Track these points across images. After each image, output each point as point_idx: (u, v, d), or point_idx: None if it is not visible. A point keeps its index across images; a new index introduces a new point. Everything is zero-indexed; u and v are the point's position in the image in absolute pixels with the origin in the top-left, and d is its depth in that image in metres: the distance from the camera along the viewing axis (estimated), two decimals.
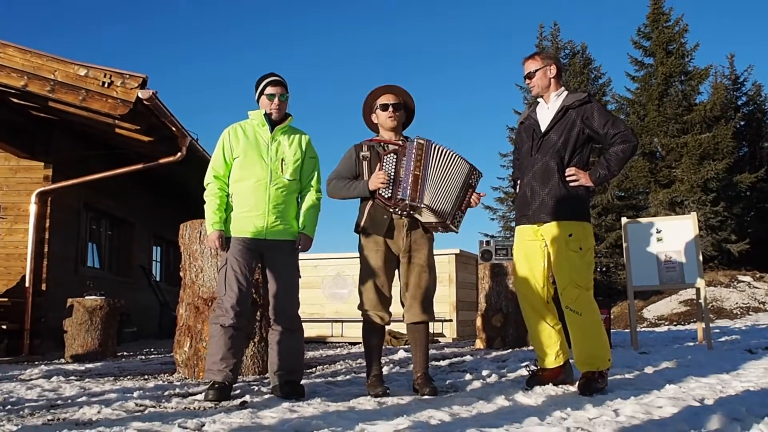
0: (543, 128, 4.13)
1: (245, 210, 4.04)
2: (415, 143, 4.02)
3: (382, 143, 4.26)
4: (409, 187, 3.95)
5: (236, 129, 4.17)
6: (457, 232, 4.16)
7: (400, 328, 7.81)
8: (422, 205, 3.98)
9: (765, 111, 31.98)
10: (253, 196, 4.03)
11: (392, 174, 4.04)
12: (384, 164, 4.07)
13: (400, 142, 4.21)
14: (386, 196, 4.04)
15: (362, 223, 4.15)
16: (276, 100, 4.14)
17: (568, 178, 4.00)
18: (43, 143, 9.36)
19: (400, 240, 4.12)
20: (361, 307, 4.15)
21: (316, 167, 4.30)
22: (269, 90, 4.16)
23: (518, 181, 4.30)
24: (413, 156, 3.99)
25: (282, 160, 4.12)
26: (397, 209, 4.04)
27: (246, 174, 4.06)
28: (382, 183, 4.02)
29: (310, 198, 4.23)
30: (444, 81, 59.53)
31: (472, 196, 4.15)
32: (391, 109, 4.22)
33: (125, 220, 12.39)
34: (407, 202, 3.95)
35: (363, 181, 4.14)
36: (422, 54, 61.24)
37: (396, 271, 4.19)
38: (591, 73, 31.49)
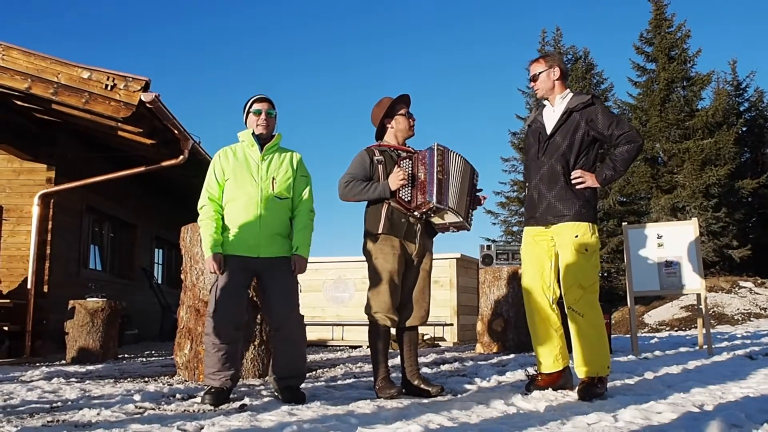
0: (548, 131, 4.15)
1: (237, 229, 4.01)
2: (435, 149, 4.11)
3: (393, 148, 4.34)
4: (435, 191, 4.02)
5: (226, 151, 4.17)
6: (469, 230, 4.30)
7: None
8: (447, 207, 4.06)
9: (767, 117, 31.98)
10: (245, 215, 4.01)
11: (409, 178, 4.12)
12: (402, 168, 4.16)
13: (411, 150, 4.32)
14: (406, 200, 4.11)
15: (381, 227, 4.15)
16: (263, 114, 4.15)
17: (573, 181, 4.02)
18: (46, 145, 9.37)
19: (414, 244, 4.19)
20: (369, 309, 4.13)
21: (308, 186, 4.26)
22: (255, 106, 4.18)
23: (528, 184, 4.32)
24: (435, 161, 4.07)
25: (273, 178, 4.10)
26: (416, 212, 4.12)
27: (237, 194, 4.04)
28: (402, 181, 4.10)
29: (302, 218, 4.18)
30: (447, 86, 59.63)
31: (479, 195, 4.32)
32: (413, 118, 4.40)
33: (127, 222, 12.41)
34: (434, 204, 4.01)
35: (383, 183, 4.18)
36: (425, 59, 61.34)
37: None
38: (593, 79, 31.56)
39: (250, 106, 4.20)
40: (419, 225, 4.20)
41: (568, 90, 4.24)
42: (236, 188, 4.05)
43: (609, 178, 4.06)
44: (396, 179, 4.11)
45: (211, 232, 4.01)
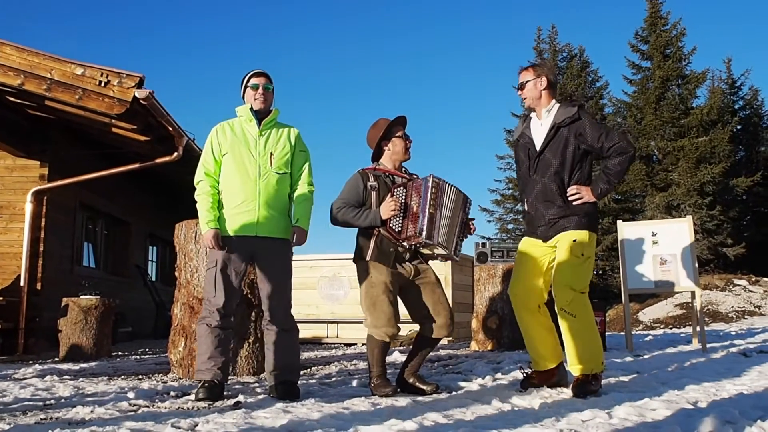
0: (537, 147, 4.14)
1: (235, 206, 4.01)
2: (430, 182, 4.08)
3: (387, 174, 4.31)
4: (425, 225, 4.01)
5: (224, 126, 4.17)
6: (457, 261, 4.29)
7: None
8: (437, 243, 4.06)
9: (762, 115, 32.07)
10: (243, 192, 4.01)
11: (402, 207, 4.10)
12: (395, 197, 4.14)
13: (406, 176, 4.31)
14: (396, 230, 4.10)
15: (369, 255, 4.13)
16: (260, 89, 4.15)
17: (570, 198, 4.01)
18: (39, 142, 9.32)
19: (404, 269, 4.18)
20: (371, 323, 4.08)
21: (306, 160, 4.27)
22: (253, 81, 4.17)
23: (525, 199, 4.29)
24: (429, 194, 4.05)
25: (271, 154, 4.10)
26: (405, 243, 4.11)
27: (235, 169, 4.04)
28: (393, 211, 4.07)
29: (302, 191, 4.19)
30: (442, 83, 59.61)
31: (469, 225, 4.31)
32: (409, 140, 4.36)
33: (121, 219, 12.37)
34: (423, 239, 4.01)
35: (374, 211, 4.15)
36: (421, 56, 61.29)
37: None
38: (588, 77, 31.52)
39: (248, 81, 4.19)
40: (408, 253, 4.20)
41: (554, 101, 4.21)
42: (234, 164, 4.05)
43: (604, 192, 4.07)
44: (387, 209, 4.09)
45: (207, 207, 4.02)
